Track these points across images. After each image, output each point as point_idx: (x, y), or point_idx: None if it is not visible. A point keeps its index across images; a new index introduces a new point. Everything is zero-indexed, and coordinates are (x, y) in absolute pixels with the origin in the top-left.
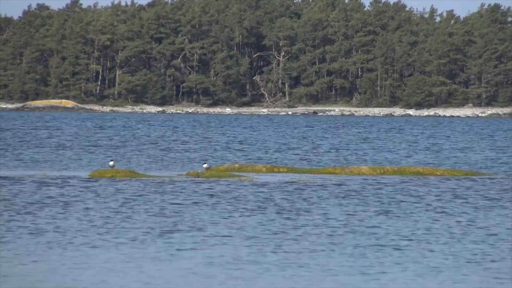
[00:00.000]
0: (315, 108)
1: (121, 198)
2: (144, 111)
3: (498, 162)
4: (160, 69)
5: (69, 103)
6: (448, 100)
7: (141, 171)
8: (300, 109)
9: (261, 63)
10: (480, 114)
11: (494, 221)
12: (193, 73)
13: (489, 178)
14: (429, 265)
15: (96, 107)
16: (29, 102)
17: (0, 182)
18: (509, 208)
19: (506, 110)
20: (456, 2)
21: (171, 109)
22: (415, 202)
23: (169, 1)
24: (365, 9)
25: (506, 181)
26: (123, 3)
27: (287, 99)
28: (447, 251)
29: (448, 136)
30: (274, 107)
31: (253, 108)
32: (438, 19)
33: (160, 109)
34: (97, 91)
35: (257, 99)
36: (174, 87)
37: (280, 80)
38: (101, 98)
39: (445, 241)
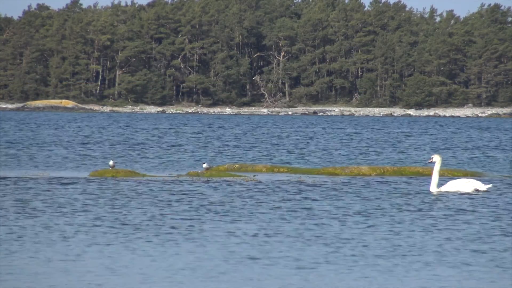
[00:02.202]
0: (315, 108)
1: (120, 198)
2: (144, 111)
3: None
4: (160, 69)
5: (69, 103)
6: (448, 100)
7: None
8: (300, 109)
9: (261, 63)
10: (480, 114)
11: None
12: (193, 73)
13: (488, 178)
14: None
15: (96, 107)
16: (29, 102)
17: (2, 182)
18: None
19: (506, 110)
20: (456, 2)
21: (171, 109)
22: (411, 201)
23: (169, 1)
24: (365, 9)
25: (503, 184)
26: (123, 3)
27: (287, 99)
28: (445, 251)
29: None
30: (274, 107)
31: (253, 108)
32: (438, 19)
33: (160, 109)
34: (97, 91)
35: (257, 99)
36: (174, 87)
37: (280, 80)
38: (101, 98)
39: (443, 240)
